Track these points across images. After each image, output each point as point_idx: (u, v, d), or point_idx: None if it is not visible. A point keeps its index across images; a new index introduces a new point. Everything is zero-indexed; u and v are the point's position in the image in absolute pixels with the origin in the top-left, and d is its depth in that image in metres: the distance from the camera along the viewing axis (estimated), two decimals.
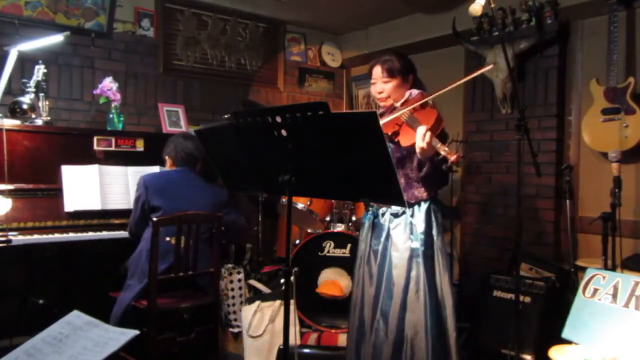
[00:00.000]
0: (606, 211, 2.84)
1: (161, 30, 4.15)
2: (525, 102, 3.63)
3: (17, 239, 2.84)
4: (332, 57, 5.23)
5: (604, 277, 2.26)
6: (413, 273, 2.17)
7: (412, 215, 2.22)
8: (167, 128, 3.91)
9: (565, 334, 2.25)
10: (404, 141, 2.12)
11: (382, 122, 2.14)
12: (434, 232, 2.22)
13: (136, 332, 1.55)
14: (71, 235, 3.03)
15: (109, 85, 3.52)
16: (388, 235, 2.25)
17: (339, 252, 3.39)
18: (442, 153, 1.95)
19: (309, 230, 3.81)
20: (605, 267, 2.78)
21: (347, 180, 1.68)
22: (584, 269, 2.51)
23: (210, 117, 4.35)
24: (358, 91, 5.26)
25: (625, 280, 2.18)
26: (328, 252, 3.40)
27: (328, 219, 3.71)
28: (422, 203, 2.23)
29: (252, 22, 4.66)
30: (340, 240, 3.40)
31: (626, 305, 2.12)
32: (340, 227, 3.58)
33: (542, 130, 3.62)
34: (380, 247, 2.26)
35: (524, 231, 3.47)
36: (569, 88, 3.61)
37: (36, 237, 2.92)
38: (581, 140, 3.44)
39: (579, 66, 3.57)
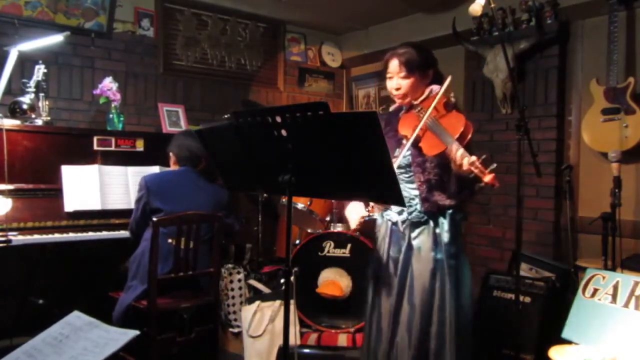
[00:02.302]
0: (606, 211, 2.85)
1: (161, 30, 4.15)
2: (525, 102, 3.62)
3: (17, 239, 2.84)
4: (332, 57, 5.22)
5: (604, 277, 2.27)
6: (437, 285, 2.06)
7: (435, 225, 2.09)
8: (167, 128, 3.91)
9: (565, 334, 2.25)
10: (428, 149, 1.97)
11: (401, 126, 2.06)
12: (459, 242, 2.12)
13: (136, 332, 1.55)
14: (71, 235, 3.02)
15: (109, 85, 3.52)
16: (410, 246, 2.12)
17: (339, 252, 3.39)
18: (475, 171, 1.75)
19: (309, 230, 3.80)
20: (605, 267, 2.78)
21: (347, 180, 1.67)
22: (584, 269, 2.52)
23: (210, 117, 4.35)
24: (358, 91, 5.25)
25: (625, 280, 2.19)
26: (328, 252, 3.40)
27: (328, 219, 3.70)
28: (447, 211, 2.09)
29: (252, 22, 4.66)
30: (340, 240, 3.40)
31: (626, 305, 2.13)
32: (340, 227, 3.58)
33: (542, 130, 3.62)
34: (401, 257, 2.13)
35: (524, 231, 3.46)
36: (569, 88, 3.61)
37: (36, 237, 2.92)
38: (581, 140, 3.43)
39: (579, 66, 3.57)
